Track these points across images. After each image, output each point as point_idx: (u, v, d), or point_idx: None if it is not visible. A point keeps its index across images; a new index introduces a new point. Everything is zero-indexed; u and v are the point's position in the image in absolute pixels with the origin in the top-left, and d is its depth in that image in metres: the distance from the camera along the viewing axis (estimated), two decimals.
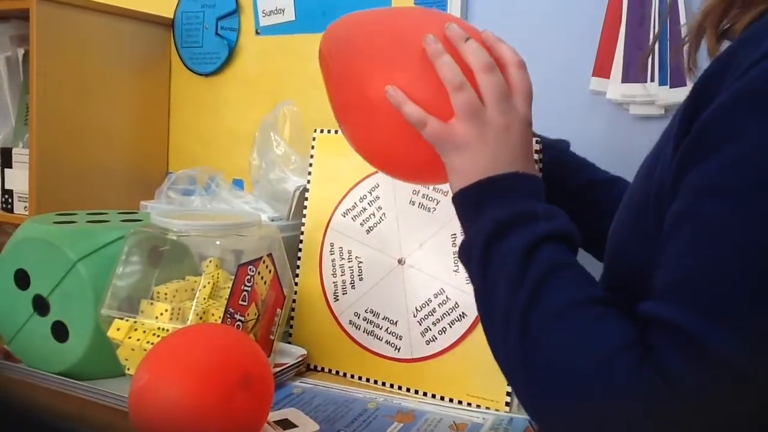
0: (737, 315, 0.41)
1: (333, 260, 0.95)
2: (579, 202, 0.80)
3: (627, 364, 0.44)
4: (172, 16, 1.48)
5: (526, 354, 0.50)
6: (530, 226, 0.53)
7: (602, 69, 1.09)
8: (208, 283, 0.82)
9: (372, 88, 0.63)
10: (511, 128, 0.59)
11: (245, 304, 0.81)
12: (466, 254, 0.58)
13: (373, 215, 0.93)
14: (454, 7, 1.18)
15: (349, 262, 0.94)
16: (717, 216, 0.42)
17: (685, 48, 0.58)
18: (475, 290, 0.58)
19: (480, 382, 0.83)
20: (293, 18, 1.35)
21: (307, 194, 0.99)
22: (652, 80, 1.04)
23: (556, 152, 0.86)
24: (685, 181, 0.45)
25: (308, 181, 0.99)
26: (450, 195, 0.88)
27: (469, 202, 0.58)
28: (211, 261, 0.84)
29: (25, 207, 1.27)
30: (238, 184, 1.36)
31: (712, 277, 0.42)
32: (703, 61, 0.53)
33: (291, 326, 0.97)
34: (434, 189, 0.89)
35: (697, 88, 0.47)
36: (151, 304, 0.80)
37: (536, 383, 0.49)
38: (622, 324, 0.48)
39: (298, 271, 0.97)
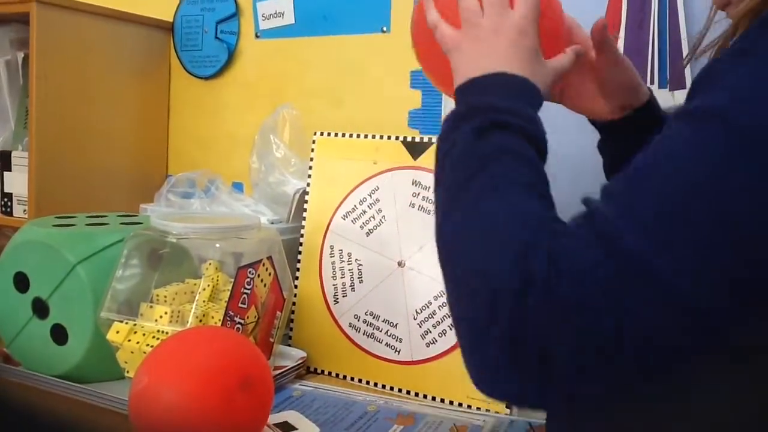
0: (661, 222, 0.41)
1: (333, 263, 0.95)
2: None
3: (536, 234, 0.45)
4: (171, 20, 1.48)
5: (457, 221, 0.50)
6: (489, 114, 0.54)
7: None
8: (208, 285, 0.82)
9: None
10: (500, 31, 0.60)
11: (245, 306, 0.80)
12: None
13: (373, 218, 0.93)
14: None
15: (348, 264, 0.94)
16: (679, 132, 0.43)
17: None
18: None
19: None
20: (293, 21, 1.35)
21: (306, 197, 0.99)
22: (652, 83, 1.04)
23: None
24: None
25: (308, 184, 0.99)
26: None
27: (456, 103, 0.60)
28: (210, 264, 0.84)
29: (25, 210, 1.26)
30: (238, 187, 1.36)
31: (651, 182, 0.43)
32: None
33: (291, 329, 0.97)
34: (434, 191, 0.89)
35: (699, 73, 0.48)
36: (151, 307, 0.80)
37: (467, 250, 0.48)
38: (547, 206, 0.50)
39: (297, 274, 0.97)
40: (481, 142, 0.52)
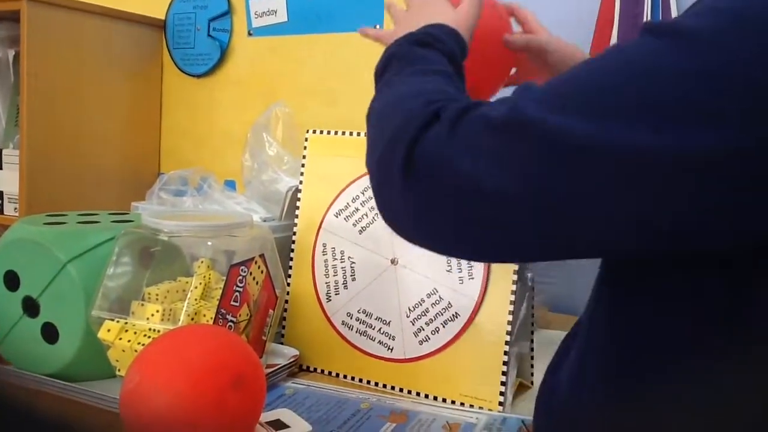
0: (575, 104, 0.42)
1: (325, 261, 0.95)
2: None
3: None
4: (163, 18, 1.47)
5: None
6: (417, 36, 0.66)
7: None
8: (200, 284, 0.82)
9: None
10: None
11: (237, 304, 0.80)
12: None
13: (366, 215, 0.93)
14: None
15: (341, 262, 0.94)
16: (630, 43, 0.43)
17: None
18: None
19: (473, 382, 0.83)
20: (286, 19, 1.34)
21: (299, 195, 0.99)
22: None
23: None
24: None
25: (300, 182, 0.99)
26: None
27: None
28: (202, 262, 0.84)
29: (15, 208, 1.26)
30: (230, 185, 1.35)
31: (579, 80, 0.44)
32: None
33: (283, 327, 0.97)
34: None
35: None
36: (142, 305, 0.80)
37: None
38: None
39: (290, 272, 0.97)
40: (414, 49, 0.64)
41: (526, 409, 0.82)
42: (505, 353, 0.82)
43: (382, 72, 0.66)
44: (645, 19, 1.04)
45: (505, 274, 0.83)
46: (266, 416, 0.71)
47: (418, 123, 0.48)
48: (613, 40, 1.06)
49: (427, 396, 0.85)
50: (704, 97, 0.38)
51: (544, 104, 0.43)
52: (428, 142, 0.47)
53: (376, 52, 1.24)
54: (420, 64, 0.62)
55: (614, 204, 0.40)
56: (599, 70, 0.43)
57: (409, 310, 0.88)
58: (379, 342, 0.89)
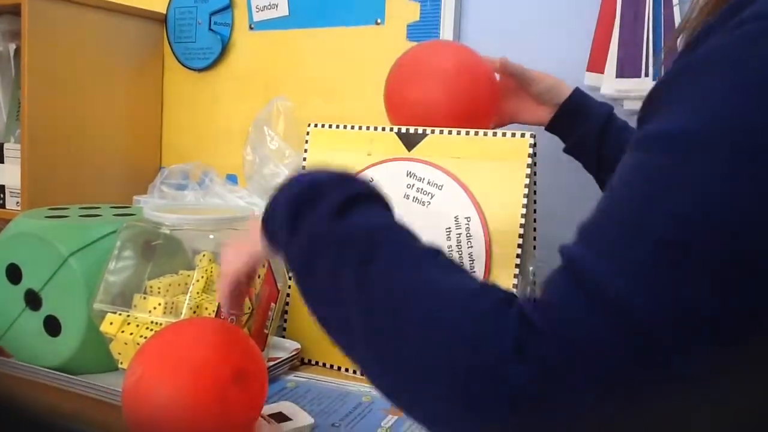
0: (633, 257, 0.38)
1: None
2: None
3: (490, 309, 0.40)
4: (165, 12, 1.47)
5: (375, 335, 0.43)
6: (335, 193, 0.49)
7: (596, 64, 1.08)
8: (202, 277, 0.82)
9: None
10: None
11: None
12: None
13: None
14: (449, 0, 1.18)
15: None
16: (646, 163, 0.41)
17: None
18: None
19: None
20: (287, 13, 1.34)
21: None
22: (647, 75, 1.04)
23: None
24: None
25: None
26: (444, 188, 0.88)
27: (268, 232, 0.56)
28: (204, 255, 0.84)
29: (17, 202, 1.26)
30: (232, 179, 1.35)
31: (617, 220, 0.40)
32: None
33: (285, 320, 0.97)
34: (429, 183, 0.89)
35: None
36: (144, 298, 0.80)
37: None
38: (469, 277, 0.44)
39: None
40: (347, 222, 0.47)
41: None
42: None
43: (311, 258, 0.48)
44: (647, 11, 1.03)
45: (506, 267, 0.83)
46: (268, 409, 0.72)
47: (483, 375, 0.38)
48: (615, 36, 1.06)
49: None
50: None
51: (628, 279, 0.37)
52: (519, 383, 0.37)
53: (378, 45, 1.24)
54: (390, 255, 0.45)
55: None
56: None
57: None
58: None
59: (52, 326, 0.81)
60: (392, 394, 0.44)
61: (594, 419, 0.38)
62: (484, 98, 0.95)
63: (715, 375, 0.39)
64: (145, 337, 0.76)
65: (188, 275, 0.83)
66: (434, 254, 0.46)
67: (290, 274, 0.55)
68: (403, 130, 0.92)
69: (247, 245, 0.61)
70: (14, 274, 0.82)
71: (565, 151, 0.98)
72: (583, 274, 0.39)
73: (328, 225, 0.48)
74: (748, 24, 0.40)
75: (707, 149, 0.38)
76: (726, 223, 0.37)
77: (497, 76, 0.98)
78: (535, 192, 0.88)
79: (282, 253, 0.53)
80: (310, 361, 0.94)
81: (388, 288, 0.43)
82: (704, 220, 0.37)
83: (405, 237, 0.48)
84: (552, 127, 0.97)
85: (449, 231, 0.87)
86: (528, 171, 0.85)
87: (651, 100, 0.44)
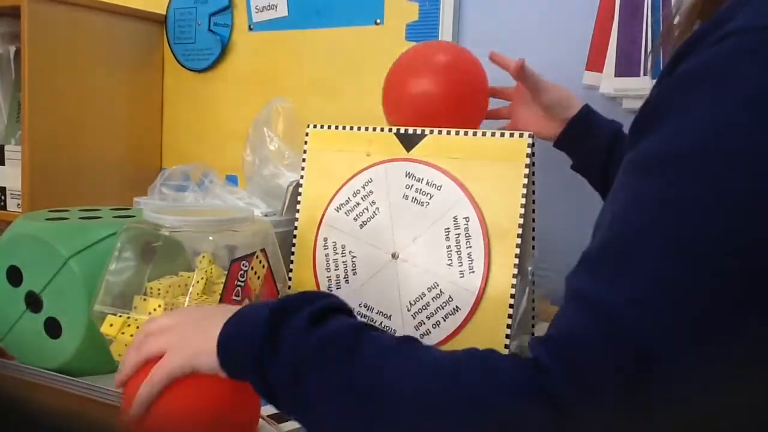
0: (646, 285, 0.39)
1: (327, 255, 0.95)
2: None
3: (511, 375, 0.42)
4: (164, 13, 1.47)
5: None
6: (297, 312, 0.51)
7: (595, 63, 1.09)
8: (201, 278, 0.82)
9: None
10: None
11: (239, 299, 0.80)
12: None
13: (367, 210, 0.93)
14: (448, 0, 1.18)
15: (342, 256, 0.94)
16: (644, 189, 0.41)
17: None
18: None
19: None
20: (286, 14, 1.34)
21: (300, 189, 0.99)
22: (645, 74, 1.04)
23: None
24: (625, 158, 0.45)
25: (301, 177, 0.99)
26: (443, 189, 0.88)
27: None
28: (204, 256, 0.84)
29: (18, 204, 1.26)
30: (232, 180, 1.36)
31: (625, 248, 0.40)
32: None
33: None
34: (427, 183, 0.89)
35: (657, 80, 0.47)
36: (144, 299, 0.80)
37: None
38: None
39: (291, 266, 0.97)
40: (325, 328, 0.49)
41: None
42: (506, 347, 0.83)
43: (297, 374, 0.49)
44: (645, 9, 1.03)
45: (505, 267, 0.83)
46: (268, 409, 0.72)
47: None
48: (613, 35, 1.06)
49: None
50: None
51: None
52: None
53: (378, 45, 1.24)
54: (373, 354, 0.47)
55: None
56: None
57: (410, 304, 0.88)
58: None
59: (53, 328, 0.81)
60: None
61: None
62: (476, 87, 0.98)
63: (721, 385, 0.40)
64: None
65: (188, 277, 0.84)
66: (411, 340, 0.49)
67: (266, 398, 0.53)
68: (402, 130, 0.93)
69: (193, 351, 0.57)
70: (15, 276, 0.83)
71: (573, 168, 0.98)
72: (598, 308, 0.40)
73: (308, 334, 0.49)
74: (730, 39, 0.40)
75: (698, 172, 0.39)
76: (728, 242, 0.38)
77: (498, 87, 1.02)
78: (534, 192, 0.88)
79: (250, 377, 0.53)
80: None
81: (378, 374, 0.46)
82: (704, 244, 0.38)
83: (379, 333, 0.50)
84: (559, 143, 0.97)
85: (448, 231, 0.87)
86: (527, 171, 0.85)
87: (641, 116, 0.45)
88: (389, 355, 0.47)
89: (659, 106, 0.43)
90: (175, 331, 0.60)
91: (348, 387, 0.46)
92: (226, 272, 0.80)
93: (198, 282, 0.81)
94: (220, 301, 0.78)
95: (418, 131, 0.92)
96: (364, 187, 0.94)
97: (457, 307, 0.85)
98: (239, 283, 0.81)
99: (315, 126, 1.00)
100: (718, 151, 0.39)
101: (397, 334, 0.85)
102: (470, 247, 0.85)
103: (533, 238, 0.91)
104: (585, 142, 0.94)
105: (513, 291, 0.83)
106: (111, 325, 0.78)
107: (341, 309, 0.54)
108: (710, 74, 0.40)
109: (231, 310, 0.57)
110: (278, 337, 0.50)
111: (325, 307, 0.52)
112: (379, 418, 0.45)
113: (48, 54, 1.25)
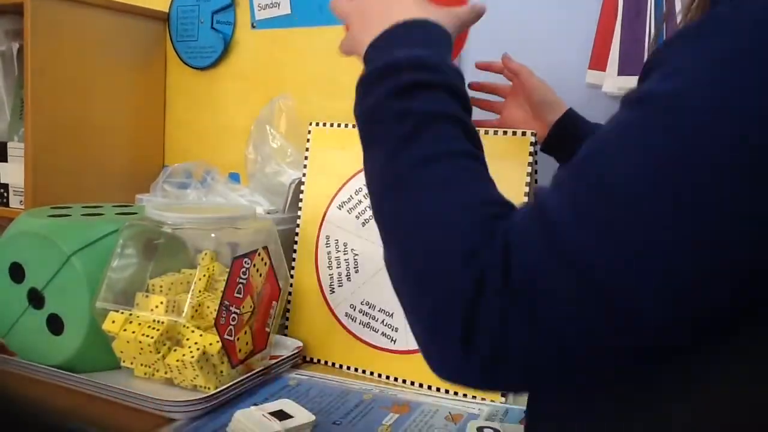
0: (597, 214, 0.39)
1: (329, 253, 0.95)
2: None
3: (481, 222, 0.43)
4: (167, 10, 1.47)
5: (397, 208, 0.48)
6: (407, 71, 0.51)
7: (598, 61, 1.08)
8: (204, 275, 0.82)
9: None
10: None
11: (240, 296, 0.81)
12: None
13: (369, 208, 0.93)
14: None
15: (344, 254, 0.94)
16: (632, 120, 0.41)
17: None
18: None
19: None
20: (289, 11, 1.34)
21: (302, 187, 0.99)
22: None
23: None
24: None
25: (303, 174, 0.99)
26: None
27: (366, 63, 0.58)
28: (206, 254, 0.84)
29: (21, 201, 1.26)
30: (234, 178, 1.36)
31: (597, 171, 0.40)
32: None
33: (287, 319, 0.97)
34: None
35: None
36: (146, 296, 0.80)
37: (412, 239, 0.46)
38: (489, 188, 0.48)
39: (294, 264, 0.97)
40: (404, 105, 0.50)
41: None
42: None
43: (368, 130, 0.54)
44: (648, 8, 1.03)
45: None
46: (269, 406, 0.72)
47: (463, 298, 0.41)
48: (616, 33, 1.05)
49: (430, 387, 0.86)
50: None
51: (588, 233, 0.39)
52: (484, 317, 0.40)
53: None
54: (425, 143, 0.48)
55: None
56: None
57: None
58: (383, 333, 0.90)
59: (55, 325, 0.81)
60: (398, 263, 0.48)
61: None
62: None
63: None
64: (148, 336, 0.77)
65: (190, 274, 0.84)
66: (464, 155, 0.48)
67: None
68: None
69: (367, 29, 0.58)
70: (17, 273, 0.83)
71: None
72: (551, 225, 0.40)
73: (386, 101, 0.51)
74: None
75: (681, 110, 0.39)
76: (687, 180, 0.37)
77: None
78: None
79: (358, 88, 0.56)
80: (312, 359, 0.94)
81: (412, 178, 0.47)
82: (662, 177, 0.38)
83: (447, 131, 0.50)
84: (547, 147, 0.96)
85: None
86: (529, 169, 0.85)
87: (645, 68, 0.45)
88: (424, 169, 0.47)
89: (663, 53, 0.43)
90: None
91: (385, 172, 0.50)
92: (228, 270, 0.81)
93: (200, 279, 0.82)
94: (222, 298, 0.78)
95: None
96: (366, 185, 0.94)
97: None
98: (241, 280, 0.81)
99: (317, 124, 0.99)
100: (709, 92, 0.38)
101: (399, 332, 0.86)
102: None
103: None
104: (569, 145, 0.93)
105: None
106: (113, 321, 0.78)
107: (432, 84, 0.52)
108: (717, 23, 0.41)
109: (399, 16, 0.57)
110: (360, 115, 0.54)
111: (423, 66, 0.52)
112: (380, 210, 0.50)
113: (51, 51, 1.25)
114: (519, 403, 0.81)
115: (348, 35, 0.64)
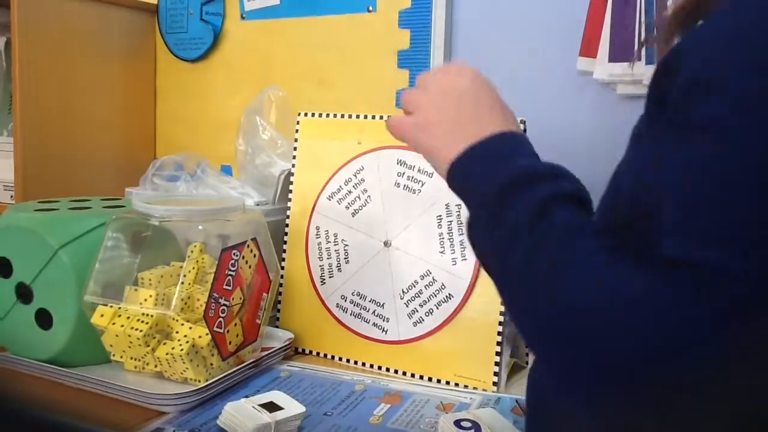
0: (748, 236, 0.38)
1: (319, 244, 0.95)
2: None
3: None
4: (156, 2, 1.46)
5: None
6: (531, 189, 0.49)
7: (589, 49, 1.08)
8: (193, 268, 0.82)
9: None
10: (453, 92, 0.57)
11: (230, 288, 0.80)
12: (468, 231, 0.54)
13: (359, 198, 0.93)
14: None
15: (335, 245, 0.93)
16: (708, 151, 0.40)
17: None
18: (487, 267, 0.53)
19: (467, 363, 0.83)
20: (278, 2, 1.33)
21: (291, 178, 0.98)
22: (639, 59, 1.03)
23: None
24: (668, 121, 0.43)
25: (293, 165, 0.99)
26: (434, 176, 0.87)
27: (453, 182, 0.55)
28: (195, 246, 0.84)
29: (11, 196, 1.26)
30: (226, 170, 1.35)
31: (717, 207, 0.39)
32: None
33: (278, 310, 0.97)
34: (419, 171, 0.89)
35: (666, 57, 0.46)
36: (135, 290, 0.80)
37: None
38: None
39: (284, 255, 0.97)
40: (545, 224, 0.47)
41: (520, 389, 0.82)
42: (499, 333, 0.82)
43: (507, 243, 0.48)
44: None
45: None
46: (260, 398, 0.72)
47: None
48: (607, 20, 1.05)
49: (421, 377, 0.85)
50: None
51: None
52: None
53: (370, 33, 1.23)
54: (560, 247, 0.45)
55: None
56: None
57: (403, 291, 0.88)
58: (374, 324, 0.89)
59: (44, 319, 0.81)
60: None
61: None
62: None
63: None
64: (137, 329, 0.76)
65: (180, 266, 0.83)
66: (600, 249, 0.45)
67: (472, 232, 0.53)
68: None
69: (431, 145, 0.57)
70: (4, 267, 0.82)
71: None
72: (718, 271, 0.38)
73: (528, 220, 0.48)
74: None
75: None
76: None
77: None
78: None
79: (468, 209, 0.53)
80: (303, 350, 0.94)
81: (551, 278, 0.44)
82: None
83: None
84: None
85: (440, 219, 0.86)
86: None
87: (669, 66, 0.43)
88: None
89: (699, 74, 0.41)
90: (432, 108, 0.58)
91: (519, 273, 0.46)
92: (217, 262, 0.80)
93: (189, 272, 0.81)
94: (210, 290, 0.78)
95: None
96: (355, 176, 0.93)
97: (450, 294, 0.85)
98: (230, 272, 0.80)
99: (306, 114, 0.99)
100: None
101: (390, 322, 0.85)
102: (462, 234, 0.85)
103: None
104: None
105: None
106: (102, 315, 0.78)
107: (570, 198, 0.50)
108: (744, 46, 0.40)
109: (485, 128, 0.55)
110: (507, 202, 0.50)
111: (557, 194, 0.49)
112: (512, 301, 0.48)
113: (39, 44, 1.24)
114: (510, 392, 0.81)
115: (411, 121, 0.59)
